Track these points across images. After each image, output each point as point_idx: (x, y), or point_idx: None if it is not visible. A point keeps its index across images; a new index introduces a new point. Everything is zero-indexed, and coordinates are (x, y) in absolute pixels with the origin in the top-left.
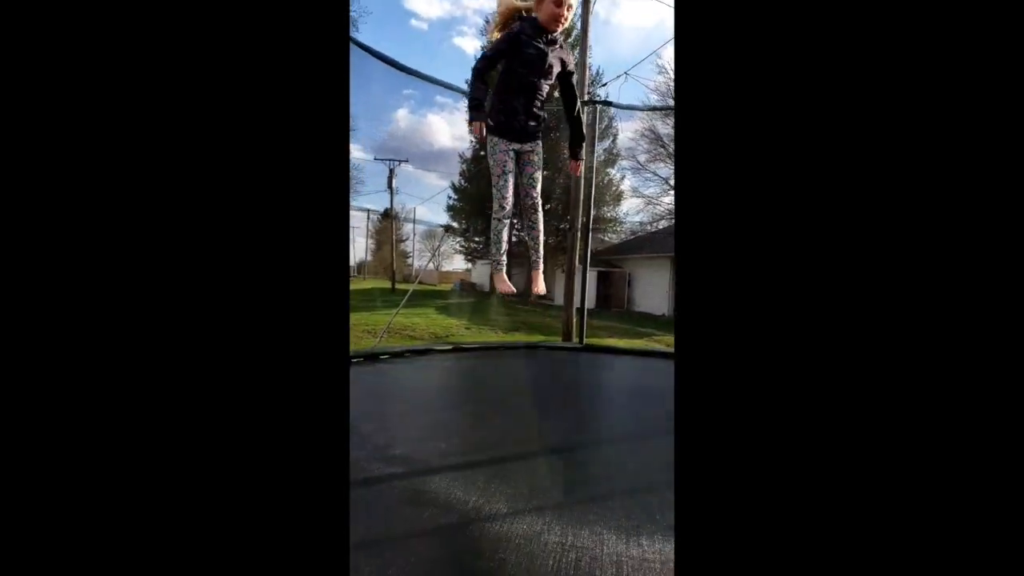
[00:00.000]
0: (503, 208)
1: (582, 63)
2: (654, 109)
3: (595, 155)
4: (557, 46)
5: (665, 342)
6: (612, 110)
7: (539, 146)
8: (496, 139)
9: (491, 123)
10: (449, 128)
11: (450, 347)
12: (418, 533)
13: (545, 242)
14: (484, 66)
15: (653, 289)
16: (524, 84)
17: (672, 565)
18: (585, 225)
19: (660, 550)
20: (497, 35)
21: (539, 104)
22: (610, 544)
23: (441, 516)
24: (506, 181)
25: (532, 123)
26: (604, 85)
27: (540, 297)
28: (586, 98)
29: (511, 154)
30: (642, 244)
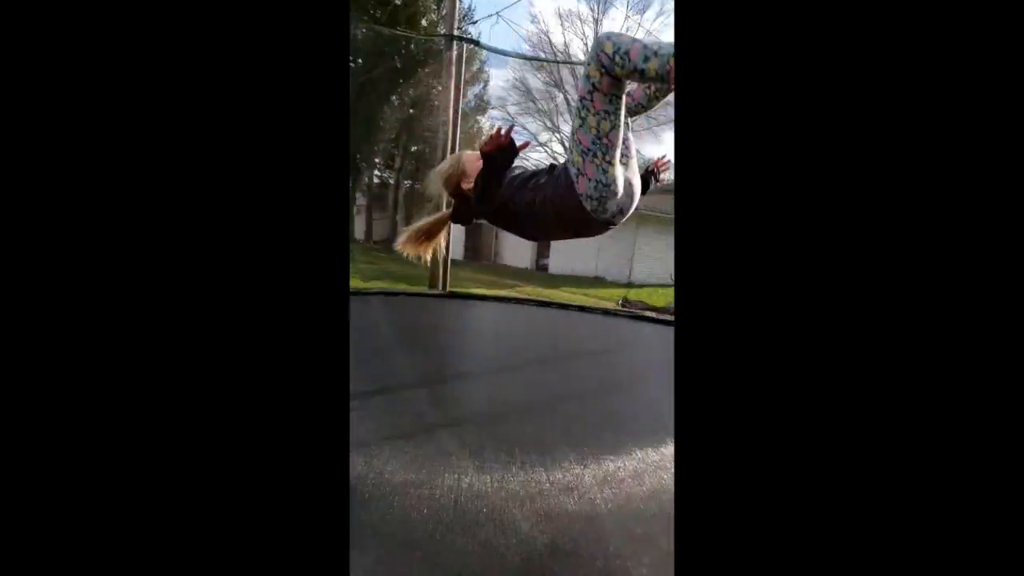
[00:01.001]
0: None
1: None
2: (525, 58)
3: (463, 100)
4: None
5: (526, 292)
6: (484, 54)
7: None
8: None
9: None
10: None
11: None
12: None
13: (412, 188)
14: None
15: (520, 242)
16: None
17: (512, 489)
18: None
19: (501, 476)
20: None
21: None
22: (451, 469)
23: None
24: None
25: None
26: (475, 23)
27: None
28: (455, 33)
29: None
30: None
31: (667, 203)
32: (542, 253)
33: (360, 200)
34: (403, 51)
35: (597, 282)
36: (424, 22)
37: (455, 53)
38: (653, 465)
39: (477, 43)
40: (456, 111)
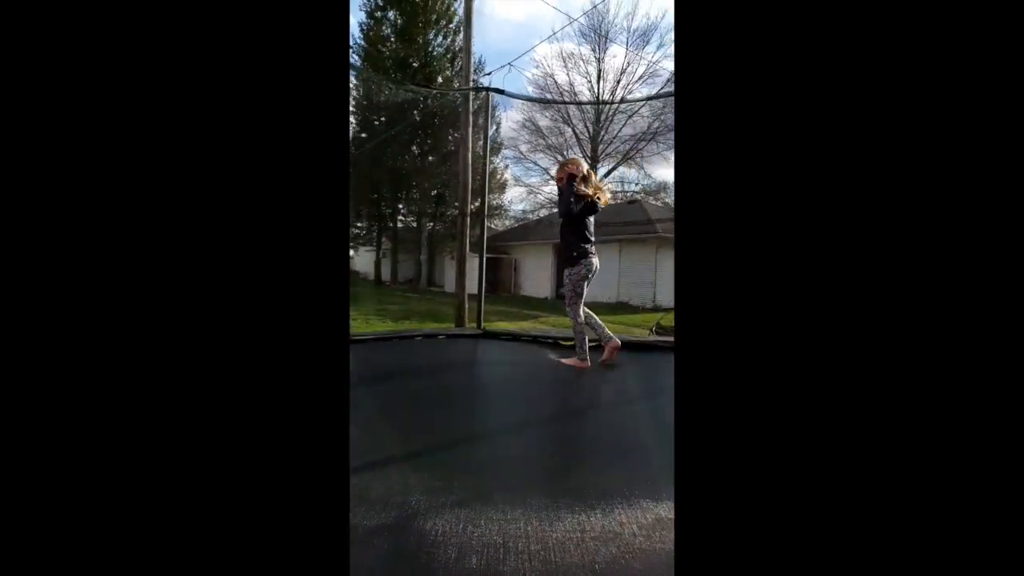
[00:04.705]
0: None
1: (466, 50)
2: (543, 101)
3: (479, 144)
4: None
5: (551, 323)
6: (495, 98)
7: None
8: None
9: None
10: None
11: None
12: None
13: (434, 229)
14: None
15: (538, 273)
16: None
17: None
18: (478, 212)
19: (573, 527)
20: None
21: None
22: (517, 525)
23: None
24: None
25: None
26: (488, 74)
27: (430, 284)
28: (471, 84)
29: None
30: (526, 231)
31: None
32: (561, 282)
33: (385, 244)
34: (421, 106)
35: (621, 308)
36: (439, 79)
37: (472, 103)
38: None
39: (498, 91)
40: (474, 155)
